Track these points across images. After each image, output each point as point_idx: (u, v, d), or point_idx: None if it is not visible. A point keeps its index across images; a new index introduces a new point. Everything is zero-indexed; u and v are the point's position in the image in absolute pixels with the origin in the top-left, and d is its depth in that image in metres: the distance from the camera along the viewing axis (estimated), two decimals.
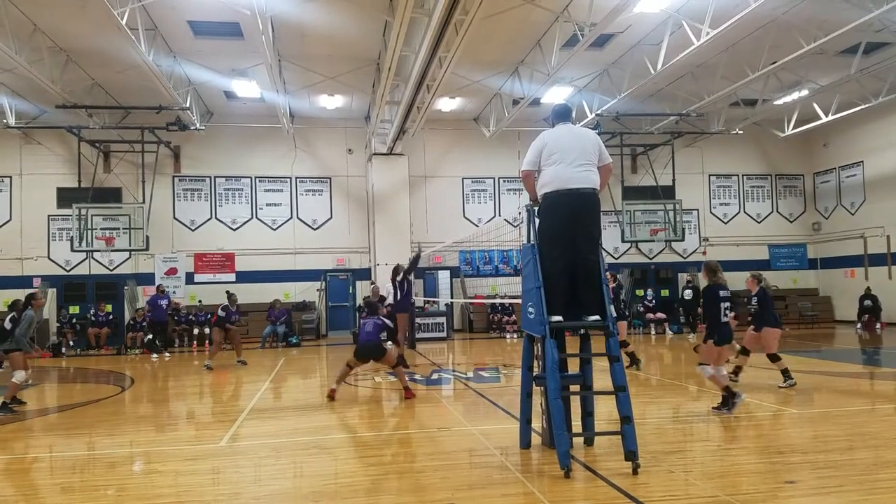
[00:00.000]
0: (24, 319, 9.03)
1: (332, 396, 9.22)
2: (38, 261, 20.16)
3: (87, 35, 14.05)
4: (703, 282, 8.25)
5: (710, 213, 23.81)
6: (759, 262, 23.29)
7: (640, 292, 21.87)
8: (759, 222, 24.07)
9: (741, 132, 21.44)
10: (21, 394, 9.46)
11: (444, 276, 22.03)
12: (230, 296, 14.11)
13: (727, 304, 7.83)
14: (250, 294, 20.42)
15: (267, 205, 21.53)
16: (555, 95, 17.80)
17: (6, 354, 9.06)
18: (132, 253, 20.16)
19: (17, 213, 20.20)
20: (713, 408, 7.80)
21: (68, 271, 20.28)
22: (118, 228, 19.60)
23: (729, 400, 7.63)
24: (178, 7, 13.07)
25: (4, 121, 17.94)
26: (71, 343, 18.39)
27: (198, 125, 18.91)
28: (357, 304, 21.01)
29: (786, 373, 9.36)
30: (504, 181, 22.66)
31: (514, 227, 20.22)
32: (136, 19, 12.35)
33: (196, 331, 18.82)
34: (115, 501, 5.13)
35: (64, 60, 15.39)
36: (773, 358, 9.52)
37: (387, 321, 9.69)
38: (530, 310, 5.96)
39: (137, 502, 5.08)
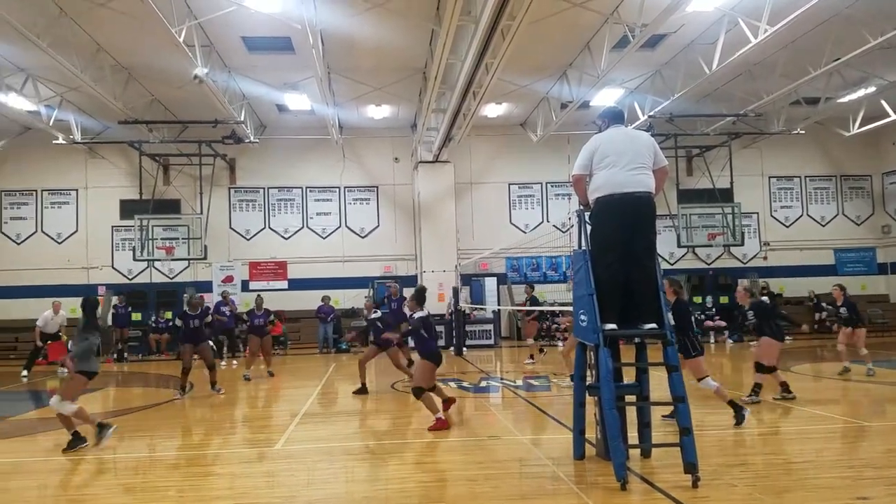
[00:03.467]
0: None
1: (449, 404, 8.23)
2: (102, 270, 21.02)
3: (146, 53, 14.60)
4: (670, 298, 7.72)
5: (771, 216, 22.99)
6: (824, 268, 22.40)
7: (697, 299, 21.26)
8: (823, 225, 23.11)
9: (803, 132, 20.58)
10: None
11: (490, 283, 21.88)
12: (256, 298, 14.46)
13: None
14: (302, 301, 20.78)
15: (317, 214, 21.91)
16: (605, 98, 17.52)
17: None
18: (191, 262, 20.80)
19: (83, 224, 21.13)
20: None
21: (131, 280, 21.06)
22: (177, 238, 20.25)
23: (738, 413, 7.47)
24: (232, 23, 13.43)
25: (71, 136, 18.77)
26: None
27: (252, 138, 19.38)
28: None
29: (757, 388, 8.84)
30: (552, 186, 22.43)
31: (563, 232, 19.93)
32: (193, 36, 12.76)
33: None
34: (175, 502, 5.24)
35: (125, 78, 16.05)
36: (766, 370, 8.92)
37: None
38: (582, 317, 5.83)
39: (197, 503, 5.19)
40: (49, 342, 15.19)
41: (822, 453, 6.49)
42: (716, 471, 5.58)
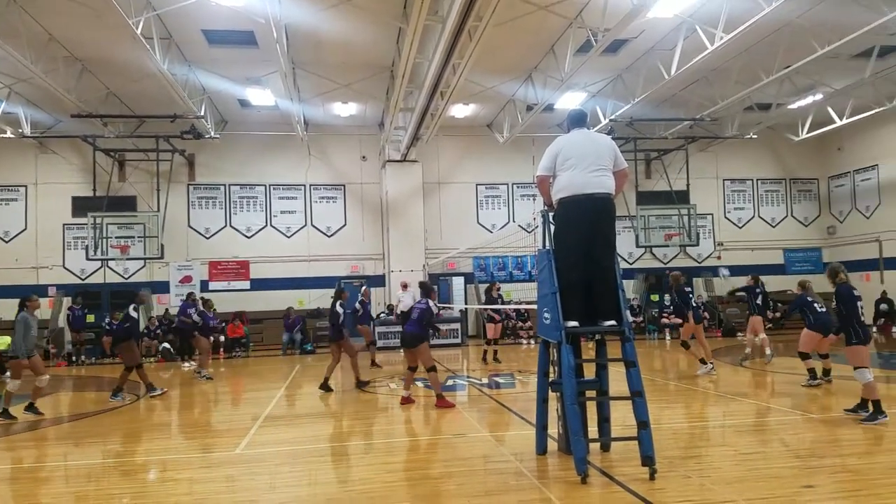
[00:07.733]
0: (19, 322, 9.09)
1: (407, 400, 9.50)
2: (53, 269, 20.34)
3: (102, 44, 14.21)
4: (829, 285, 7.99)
5: (725, 217, 23.71)
6: (773, 267, 23.16)
7: (654, 297, 21.73)
8: (773, 226, 23.96)
9: (755, 136, 21.32)
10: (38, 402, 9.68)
11: (458, 283, 22.00)
12: (208, 301, 15.65)
13: (861, 302, 7.81)
14: (265, 302, 20.58)
15: (281, 212, 21.64)
16: (568, 101, 17.79)
17: None
18: (147, 261, 20.31)
19: (32, 222, 20.42)
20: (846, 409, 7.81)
21: (83, 280, 20.43)
22: (133, 237, 19.71)
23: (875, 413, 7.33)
24: (192, 16, 13.18)
25: (20, 130, 18.11)
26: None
27: (212, 133, 19.04)
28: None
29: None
30: (518, 187, 22.66)
31: (529, 232, 20.12)
32: (151, 28, 12.49)
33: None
34: None
35: (79, 70, 15.57)
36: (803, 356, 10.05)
37: (432, 305, 9.65)
38: (546, 315, 5.95)
39: None
40: None
41: (772, 444, 6.75)
42: (671, 463, 5.76)
